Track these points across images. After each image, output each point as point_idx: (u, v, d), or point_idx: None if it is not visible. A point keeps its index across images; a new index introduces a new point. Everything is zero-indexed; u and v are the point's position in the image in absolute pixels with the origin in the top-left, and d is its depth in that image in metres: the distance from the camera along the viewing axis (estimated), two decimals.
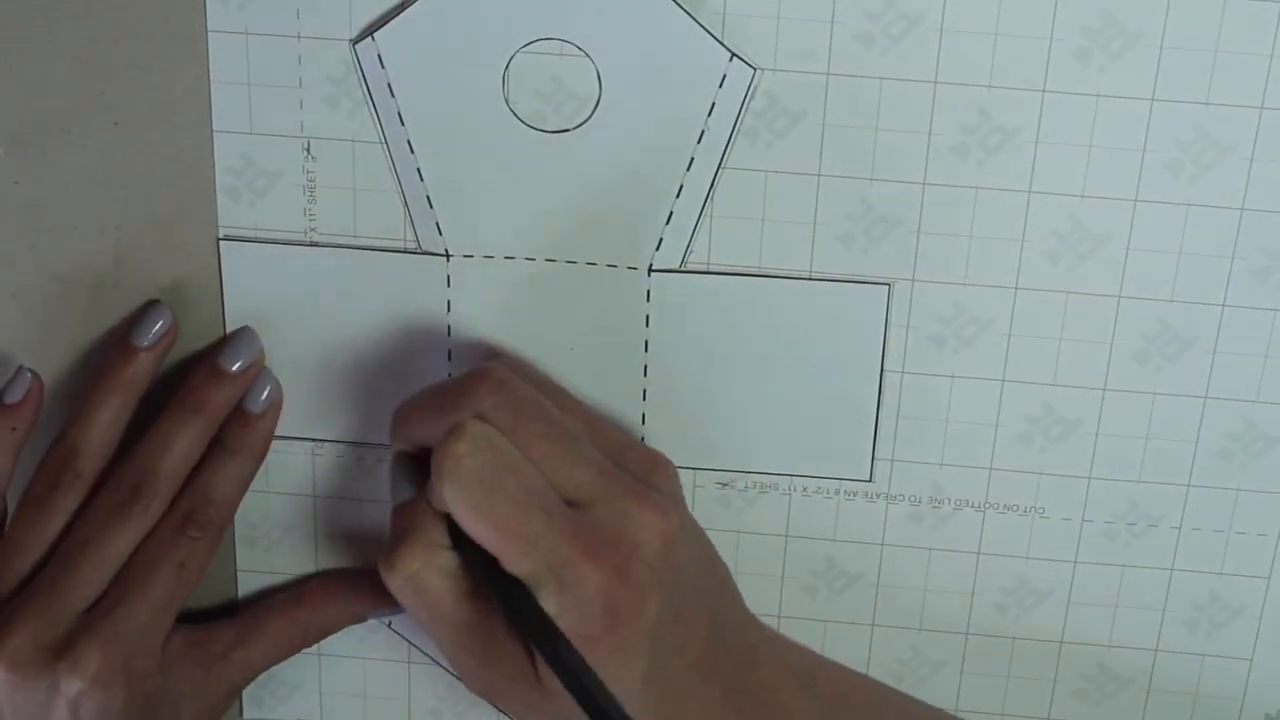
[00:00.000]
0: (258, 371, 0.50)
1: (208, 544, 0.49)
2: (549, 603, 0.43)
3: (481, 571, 0.43)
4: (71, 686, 0.46)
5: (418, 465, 0.46)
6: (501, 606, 0.44)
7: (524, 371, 0.48)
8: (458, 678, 0.48)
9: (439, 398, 0.45)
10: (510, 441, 0.44)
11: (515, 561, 0.43)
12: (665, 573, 0.44)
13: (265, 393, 0.51)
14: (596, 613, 0.43)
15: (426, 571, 0.44)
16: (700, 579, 0.48)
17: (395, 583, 0.44)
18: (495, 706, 0.48)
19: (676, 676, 0.45)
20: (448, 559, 0.44)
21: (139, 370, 0.49)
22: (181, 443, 0.49)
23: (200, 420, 0.49)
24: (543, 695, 0.44)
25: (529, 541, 0.43)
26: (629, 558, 0.43)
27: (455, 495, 0.43)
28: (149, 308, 0.50)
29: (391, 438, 0.47)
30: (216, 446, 0.50)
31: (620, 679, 0.43)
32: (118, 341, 0.50)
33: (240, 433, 0.50)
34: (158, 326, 0.49)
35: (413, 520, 0.45)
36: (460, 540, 0.44)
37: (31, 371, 0.50)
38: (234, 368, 0.50)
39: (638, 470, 0.46)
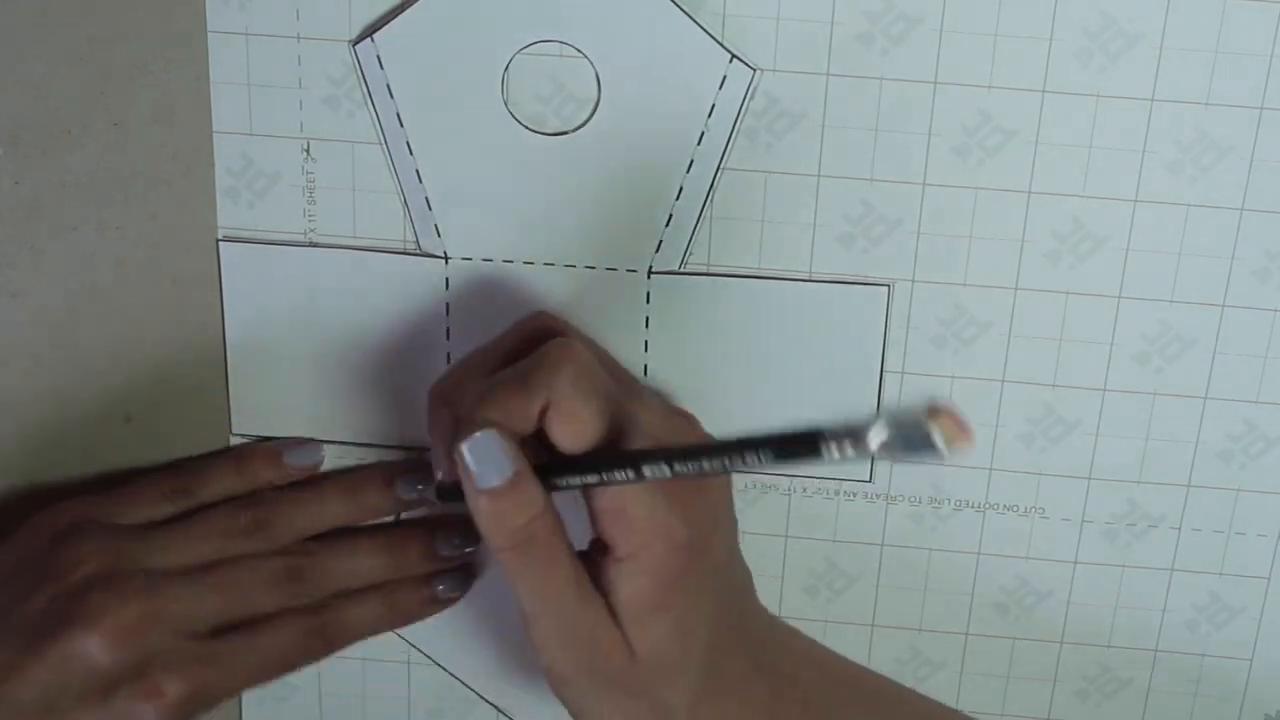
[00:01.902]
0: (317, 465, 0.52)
1: None
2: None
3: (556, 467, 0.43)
4: None
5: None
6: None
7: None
8: (545, 670, 0.46)
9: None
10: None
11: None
12: (726, 521, 0.47)
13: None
14: (679, 544, 0.43)
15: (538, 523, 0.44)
16: (735, 541, 0.48)
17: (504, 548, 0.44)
18: (568, 706, 0.47)
19: (715, 636, 0.46)
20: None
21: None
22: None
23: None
24: (633, 673, 0.44)
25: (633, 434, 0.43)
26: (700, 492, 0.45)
27: (568, 380, 0.43)
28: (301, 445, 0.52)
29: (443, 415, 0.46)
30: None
31: (690, 614, 0.44)
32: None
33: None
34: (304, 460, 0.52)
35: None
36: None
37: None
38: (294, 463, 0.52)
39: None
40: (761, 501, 0.52)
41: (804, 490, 0.52)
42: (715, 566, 0.45)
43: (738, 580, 0.48)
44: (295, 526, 0.50)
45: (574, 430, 0.43)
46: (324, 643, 0.50)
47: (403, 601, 0.52)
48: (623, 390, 0.45)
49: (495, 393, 0.43)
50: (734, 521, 0.48)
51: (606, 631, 0.44)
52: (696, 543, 0.44)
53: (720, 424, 0.51)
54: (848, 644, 0.53)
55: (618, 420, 0.43)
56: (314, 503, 0.51)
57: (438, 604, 0.52)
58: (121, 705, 0.45)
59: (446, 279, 0.50)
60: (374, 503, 0.51)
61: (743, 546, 0.52)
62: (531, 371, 0.43)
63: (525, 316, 0.49)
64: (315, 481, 0.52)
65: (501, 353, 0.47)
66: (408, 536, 0.52)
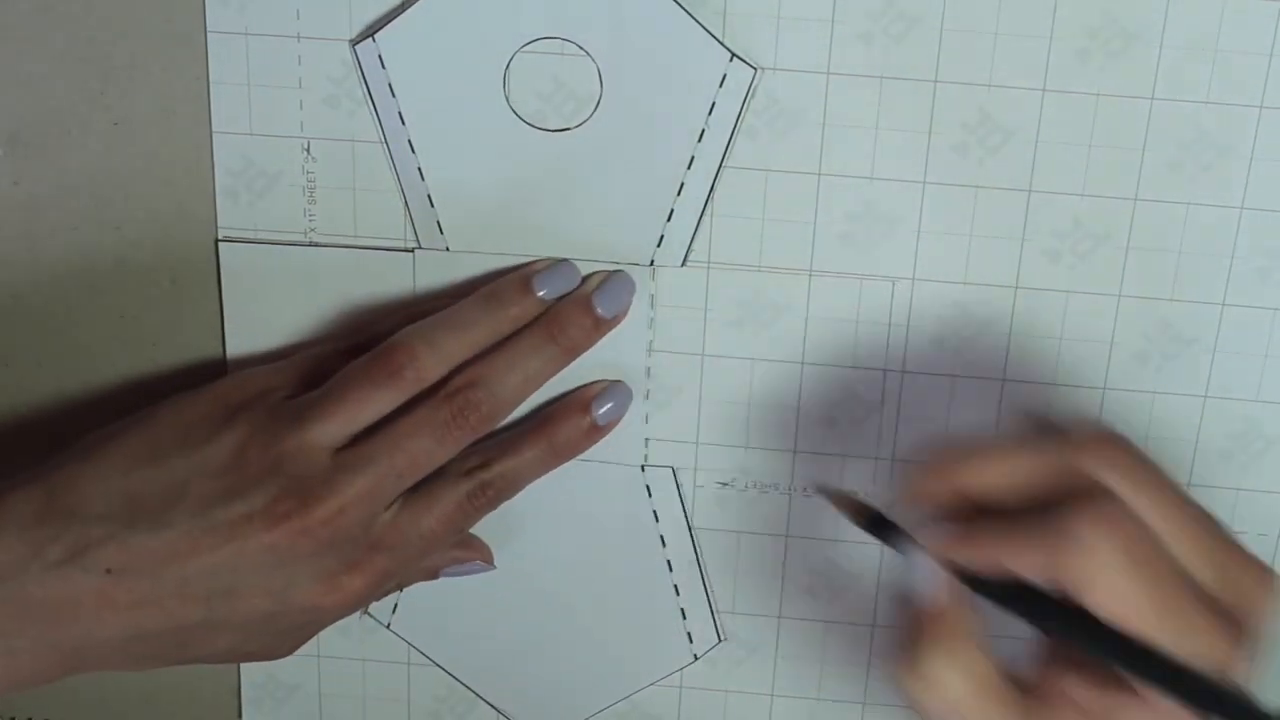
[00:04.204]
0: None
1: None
2: None
3: (1087, 640, 0.39)
4: None
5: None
6: (1142, 678, 0.39)
7: None
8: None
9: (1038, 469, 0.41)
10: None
11: (1171, 646, 0.38)
12: None
13: (618, 304, 0.49)
14: None
15: (952, 674, 0.40)
16: None
17: (916, 686, 0.40)
18: None
19: None
20: (974, 658, 0.40)
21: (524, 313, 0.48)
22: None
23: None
24: None
25: (1184, 632, 0.38)
26: None
27: (1098, 591, 0.38)
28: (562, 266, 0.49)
29: (940, 541, 0.42)
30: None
31: None
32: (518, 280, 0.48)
33: (574, 329, 0.48)
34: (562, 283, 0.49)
35: (941, 619, 0.41)
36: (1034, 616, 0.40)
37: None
38: (606, 313, 0.49)
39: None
40: (761, 501, 0.52)
41: (804, 490, 0.51)
42: None
43: None
44: (446, 351, 0.47)
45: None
46: (488, 500, 0.48)
47: (561, 435, 0.49)
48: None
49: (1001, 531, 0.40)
50: None
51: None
52: None
53: (723, 420, 0.51)
54: (849, 646, 0.53)
55: None
56: (461, 326, 0.47)
57: (598, 431, 0.50)
58: (300, 596, 0.46)
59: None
60: (516, 312, 0.48)
61: (743, 546, 0.52)
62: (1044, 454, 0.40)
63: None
64: (451, 309, 0.48)
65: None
66: (566, 309, 0.48)
